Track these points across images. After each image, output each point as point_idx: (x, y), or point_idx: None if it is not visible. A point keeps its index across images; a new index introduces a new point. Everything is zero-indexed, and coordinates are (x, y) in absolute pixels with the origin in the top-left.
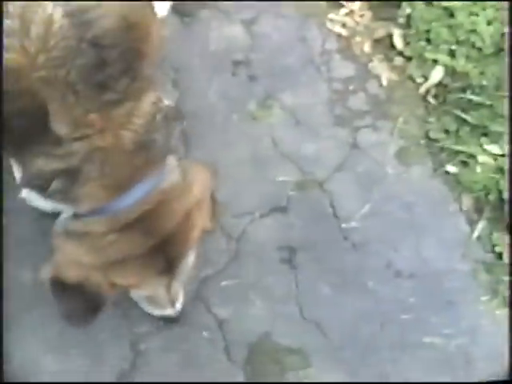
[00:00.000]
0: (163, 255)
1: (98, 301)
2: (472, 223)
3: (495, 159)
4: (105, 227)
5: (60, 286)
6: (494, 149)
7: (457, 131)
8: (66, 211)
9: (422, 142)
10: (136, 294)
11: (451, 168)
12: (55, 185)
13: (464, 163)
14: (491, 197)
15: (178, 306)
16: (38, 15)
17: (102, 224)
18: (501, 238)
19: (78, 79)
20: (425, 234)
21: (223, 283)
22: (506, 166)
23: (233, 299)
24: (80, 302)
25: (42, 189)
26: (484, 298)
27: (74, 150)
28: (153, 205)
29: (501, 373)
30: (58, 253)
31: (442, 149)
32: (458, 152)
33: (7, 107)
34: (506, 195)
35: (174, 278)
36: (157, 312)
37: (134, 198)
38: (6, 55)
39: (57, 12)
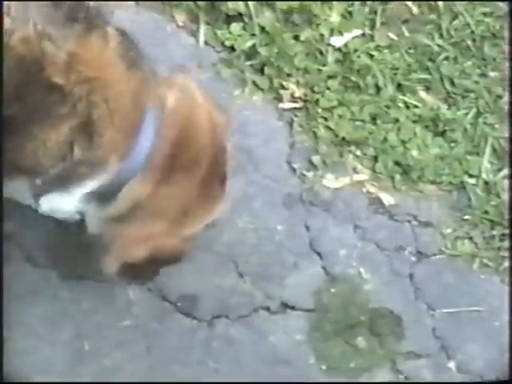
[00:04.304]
0: (216, 178)
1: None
2: (194, 33)
3: None
4: (147, 185)
5: (131, 269)
6: None
7: None
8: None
9: None
10: None
11: None
12: (77, 152)
13: None
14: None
15: None
16: None
17: (142, 183)
18: (224, 32)
19: (46, 24)
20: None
21: None
22: None
23: None
24: (157, 269)
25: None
26: (237, 92)
27: (78, 97)
28: (177, 131)
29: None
30: (114, 242)
31: None
32: None
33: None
34: None
35: None
36: None
37: (152, 132)
38: None
39: None
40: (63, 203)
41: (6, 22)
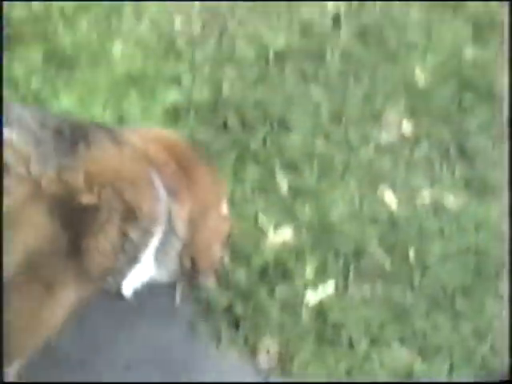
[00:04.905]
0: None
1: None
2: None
3: None
4: (187, 198)
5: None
6: None
7: None
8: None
9: None
10: None
11: None
12: (133, 235)
13: None
14: None
15: None
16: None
17: (183, 201)
18: (200, 290)
19: (59, 158)
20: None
21: None
22: None
23: None
24: None
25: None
26: (212, 348)
27: (108, 199)
28: (163, 152)
29: None
30: (200, 262)
31: None
32: None
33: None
34: None
35: None
36: None
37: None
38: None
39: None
40: (142, 274)
41: (34, 168)
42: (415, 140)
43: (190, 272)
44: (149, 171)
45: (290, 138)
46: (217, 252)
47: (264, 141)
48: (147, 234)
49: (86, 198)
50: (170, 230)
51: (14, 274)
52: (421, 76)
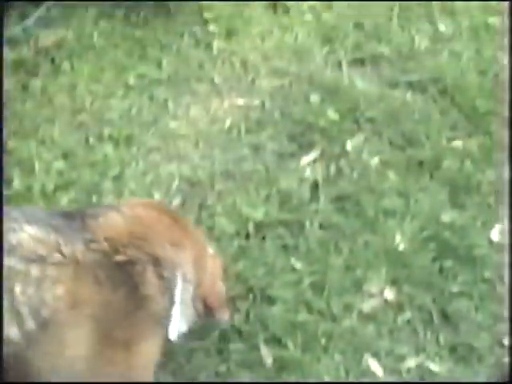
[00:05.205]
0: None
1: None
2: None
3: None
4: (194, 245)
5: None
6: None
7: None
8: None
9: None
10: None
11: None
12: (167, 274)
13: None
14: None
15: None
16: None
17: (184, 249)
18: None
19: (77, 236)
20: None
21: None
22: None
23: None
24: None
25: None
26: None
27: (135, 252)
28: (156, 212)
29: None
30: (210, 300)
31: None
32: None
33: None
34: None
35: None
36: None
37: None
38: None
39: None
40: (181, 314)
41: (66, 250)
42: (398, 307)
43: (205, 313)
44: (149, 229)
45: (272, 310)
46: (221, 287)
47: (247, 315)
48: (174, 275)
49: (117, 256)
50: (184, 277)
51: (91, 346)
52: (400, 242)
